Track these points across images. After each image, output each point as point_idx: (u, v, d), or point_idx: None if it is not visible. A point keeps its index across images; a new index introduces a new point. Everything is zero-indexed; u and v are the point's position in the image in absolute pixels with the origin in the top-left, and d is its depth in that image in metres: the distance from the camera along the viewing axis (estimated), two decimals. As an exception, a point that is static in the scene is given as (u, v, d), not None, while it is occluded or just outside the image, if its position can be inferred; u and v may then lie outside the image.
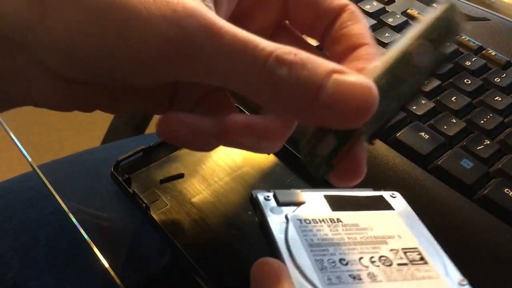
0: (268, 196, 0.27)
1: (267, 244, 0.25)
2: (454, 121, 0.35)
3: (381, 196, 0.28)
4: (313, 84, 0.19)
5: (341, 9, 0.23)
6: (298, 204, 0.27)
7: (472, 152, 0.33)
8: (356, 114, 0.18)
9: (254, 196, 0.27)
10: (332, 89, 0.18)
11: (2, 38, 0.22)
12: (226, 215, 0.31)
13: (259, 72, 0.19)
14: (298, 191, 0.28)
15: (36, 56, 0.22)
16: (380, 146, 0.34)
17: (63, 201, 0.36)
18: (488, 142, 0.34)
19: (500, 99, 0.37)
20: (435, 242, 0.26)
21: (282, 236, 0.25)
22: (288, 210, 0.26)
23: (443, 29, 0.19)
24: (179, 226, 0.30)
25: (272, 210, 0.26)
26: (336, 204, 0.27)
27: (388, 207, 0.28)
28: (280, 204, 0.27)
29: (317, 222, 0.26)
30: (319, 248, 0.24)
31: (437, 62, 0.19)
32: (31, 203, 0.42)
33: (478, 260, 0.29)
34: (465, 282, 0.24)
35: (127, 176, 0.33)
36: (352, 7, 0.24)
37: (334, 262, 0.24)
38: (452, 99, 0.37)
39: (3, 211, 0.41)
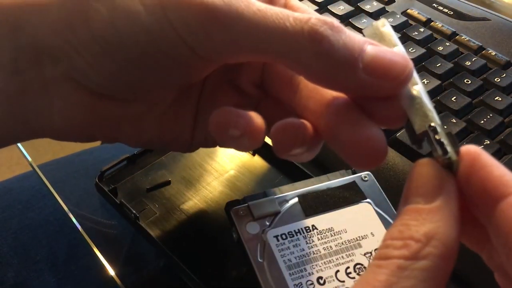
0: (242, 212, 0.27)
1: (244, 264, 0.26)
2: (454, 121, 0.35)
3: (354, 182, 0.29)
4: (355, 46, 0.19)
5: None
6: (274, 214, 0.27)
7: (472, 152, 0.34)
8: (396, 74, 0.19)
9: (228, 211, 0.27)
10: (373, 54, 0.19)
11: (35, 48, 0.21)
12: (217, 219, 0.31)
13: (301, 29, 0.19)
14: (273, 198, 0.28)
15: (70, 66, 0.21)
16: (380, 146, 0.34)
17: (63, 201, 0.36)
18: (488, 142, 0.34)
19: (500, 99, 0.37)
20: None
21: (261, 261, 0.26)
22: (263, 224, 0.27)
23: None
24: (169, 234, 0.30)
25: (247, 227, 0.27)
26: (310, 206, 0.28)
27: (360, 196, 0.29)
28: (255, 218, 0.27)
29: (293, 236, 0.27)
30: (297, 269, 0.26)
31: None
32: (31, 203, 0.42)
33: (478, 260, 0.29)
34: None
35: (112, 186, 0.32)
36: None
37: (312, 283, 0.25)
38: (452, 99, 0.37)
39: (3, 211, 0.41)
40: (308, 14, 0.20)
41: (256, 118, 0.21)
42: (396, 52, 0.20)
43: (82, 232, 0.34)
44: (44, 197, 0.42)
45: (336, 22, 0.19)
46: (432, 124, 0.18)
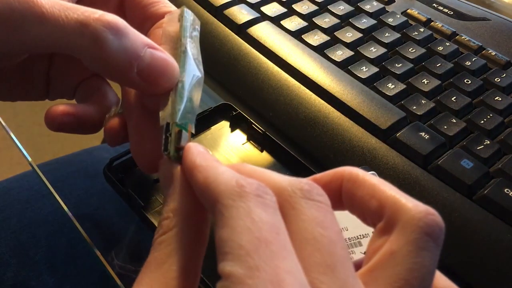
0: None
1: None
2: (454, 121, 0.35)
3: None
4: (133, 52, 0.21)
5: (165, 14, 0.25)
6: None
7: (472, 152, 0.33)
8: (164, 82, 0.22)
9: None
10: (147, 63, 0.21)
11: None
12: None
13: (81, 33, 0.20)
14: None
15: None
16: (380, 146, 0.34)
17: (62, 200, 0.36)
18: (488, 142, 0.34)
19: (500, 99, 0.37)
20: None
21: None
22: None
23: (191, 25, 0.24)
24: None
25: None
26: None
27: None
28: None
29: None
30: None
31: (198, 50, 0.24)
32: (30, 202, 0.42)
33: (478, 260, 0.29)
34: None
35: (121, 175, 0.32)
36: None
37: None
38: (452, 99, 0.37)
39: (2, 211, 0.41)
40: (97, 12, 0.21)
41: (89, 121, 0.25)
42: (168, 59, 0.22)
43: (81, 231, 0.34)
44: (44, 196, 0.42)
45: (121, 23, 0.21)
46: (168, 122, 0.21)
